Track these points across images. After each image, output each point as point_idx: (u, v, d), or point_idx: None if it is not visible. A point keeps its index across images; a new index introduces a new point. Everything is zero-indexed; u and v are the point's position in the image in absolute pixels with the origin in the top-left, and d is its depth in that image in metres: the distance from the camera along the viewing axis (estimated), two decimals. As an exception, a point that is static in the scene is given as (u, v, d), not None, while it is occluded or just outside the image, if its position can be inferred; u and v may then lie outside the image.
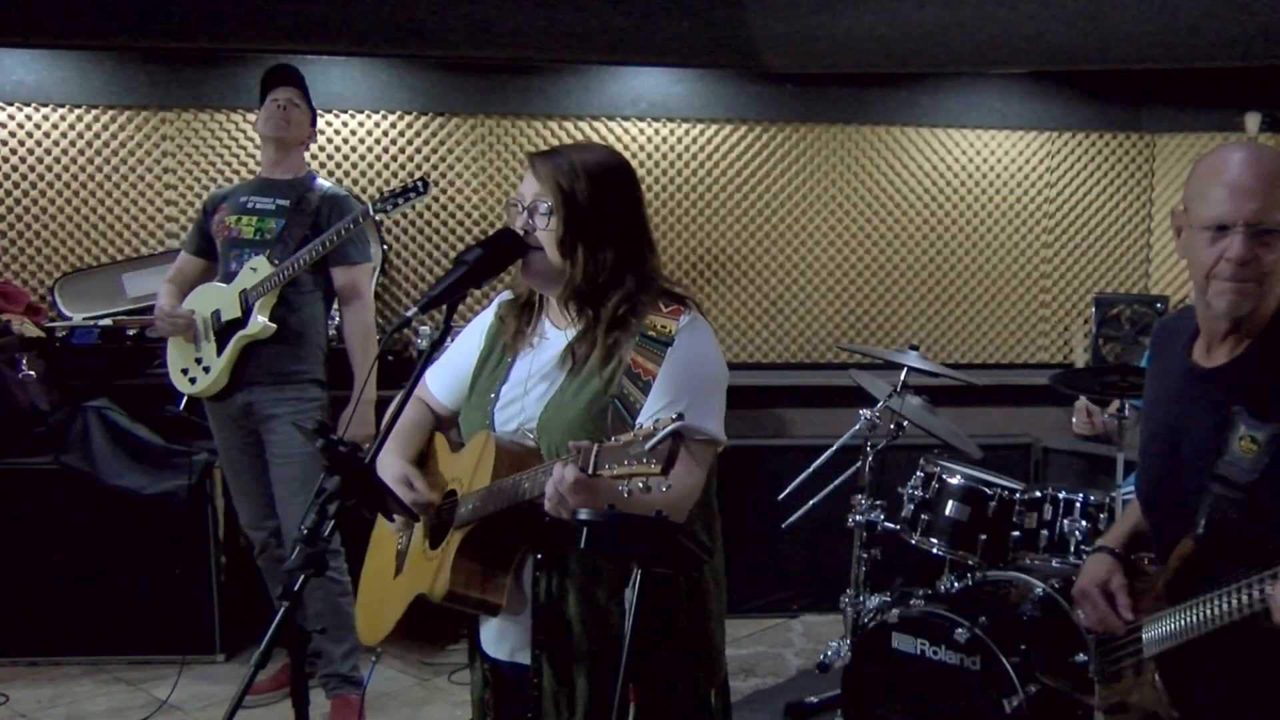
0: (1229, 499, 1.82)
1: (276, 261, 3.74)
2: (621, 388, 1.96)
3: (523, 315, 2.16)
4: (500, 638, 2.13)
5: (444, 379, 2.28)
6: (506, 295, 2.22)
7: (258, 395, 3.82)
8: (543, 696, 2.04)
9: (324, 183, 3.92)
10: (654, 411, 1.91)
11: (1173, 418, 2.01)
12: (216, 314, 3.83)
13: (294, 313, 3.81)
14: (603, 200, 2.02)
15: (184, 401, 4.00)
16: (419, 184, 3.60)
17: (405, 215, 5.08)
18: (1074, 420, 4.11)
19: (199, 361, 3.88)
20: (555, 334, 2.11)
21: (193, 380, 3.90)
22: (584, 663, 2.03)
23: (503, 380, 2.13)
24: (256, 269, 3.77)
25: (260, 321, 3.75)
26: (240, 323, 3.78)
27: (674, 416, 1.65)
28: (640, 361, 1.97)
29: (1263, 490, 1.79)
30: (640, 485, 1.67)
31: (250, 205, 3.86)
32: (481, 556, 1.99)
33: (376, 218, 3.58)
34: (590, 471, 1.72)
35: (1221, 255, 1.84)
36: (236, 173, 4.93)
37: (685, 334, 2.00)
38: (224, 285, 3.84)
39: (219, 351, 3.83)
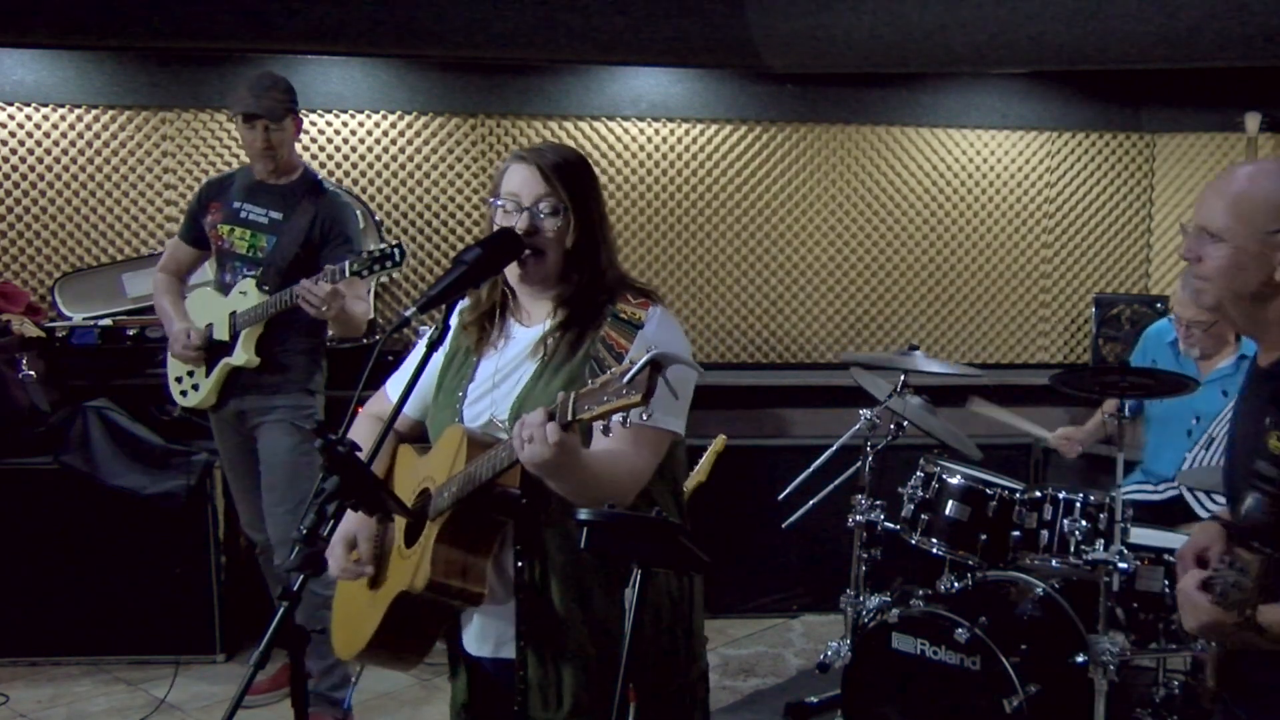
0: (1264, 494, 1.87)
1: (265, 289, 3.65)
2: (597, 352, 2.00)
3: (484, 321, 2.17)
4: (483, 635, 2.12)
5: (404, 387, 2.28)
6: (465, 302, 2.20)
7: (249, 404, 3.79)
8: (529, 690, 2.04)
9: (321, 189, 3.79)
10: None
11: (1236, 412, 2.14)
12: (210, 328, 3.79)
13: (281, 336, 3.72)
14: (593, 199, 2.08)
15: (178, 409, 4.00)
16: (395, 252, 3.36)
17: (405, 215, 5.08)
18: (1061, 449, 4.22)
19: (190, 375, 3.87)
20: (521, 331, 2.13)
21: (184, 394, 3.90)
22: (569, 654, 2.03)
23: (469, 379, 2.15)
24: (246, 293, 3.70)
25: (244, 355, 3.71)
26: (228, 347, 3.74)
27: (648, 349, 1.66)
28: (613, 336, 2.02)
29: None
30: (620, 420, 1.68)
31: (243, 215, 3.75)
32: (460, 544, 1.99)
33: (348, 278, 3.38)
34: (570, 418, 1.73)
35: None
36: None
37: (656, 323, 2.04)
38: (220, 296, 3.79)
39: (209, 371, 3.81)
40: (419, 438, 2.27)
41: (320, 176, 3.89)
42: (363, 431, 2.31)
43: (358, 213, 3.89)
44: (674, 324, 2.10)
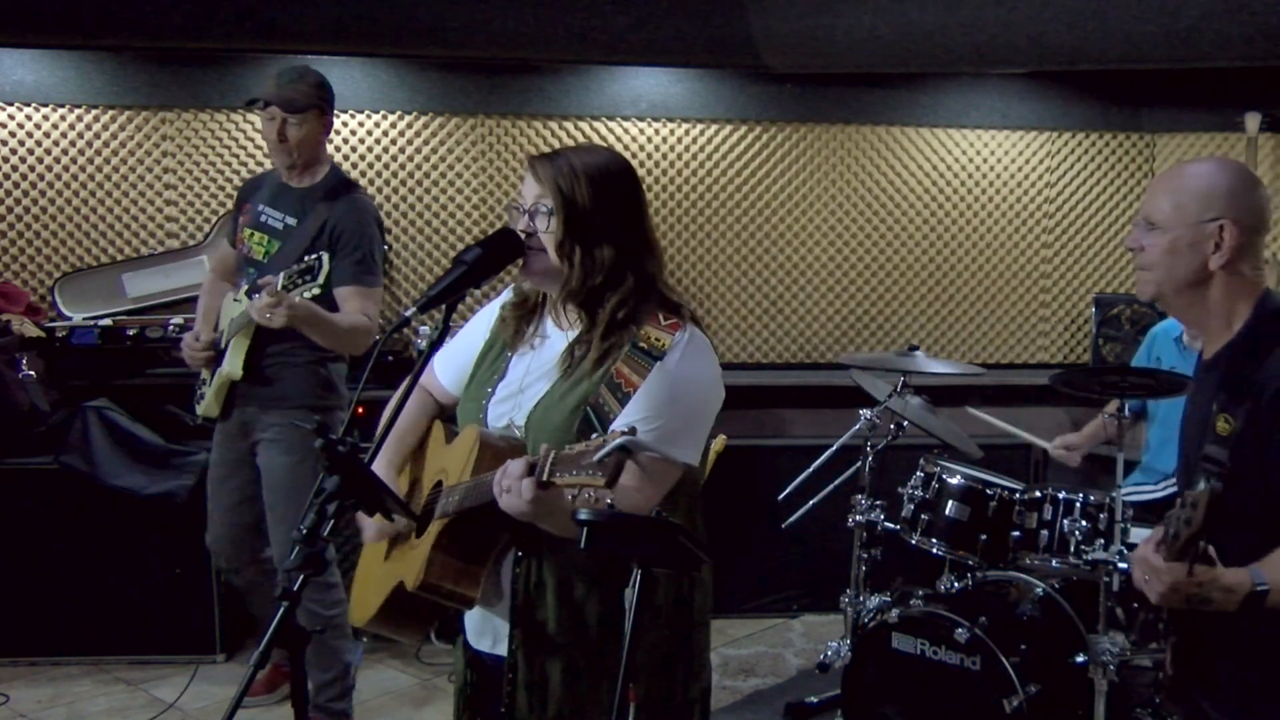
0: (1214, 475, 1.91)
1: (253, 298, 3.45)
2: (599, 395, 1.96)
3: (523, 317, 2.17)
4: (482, 630, 2.14)
5: (451, 367, 2.29)
6: (510, 294, 2.22)
7: (249, 415, 3.65)
8: (516, 690, 2.05)
9: (342, 192, 3.56)
10: (625, 423, 1.89)
11: (1187, 404, 2.22)
12: (221, 335, 3.70)
13: (267, 348, 3.54)
14: (602, 203, 2.02)
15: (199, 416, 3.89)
16: (316, 264, 3.19)
17: (405, 215, 5.08)
18: (1062, 458, 4.20)
19: (205, 383, 3.76)
20: (556, 334, 2.12)
21: (197, 401, 3.83)
22: (558, 658, 2.03)
23: (500, 376, 2.14)
24: (238, 301, 3.55)
25: (228, 367, 3.55)
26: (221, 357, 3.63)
27: (624, 430, 1.66)
28: (624, 372, 1.96)
29: (1236, 466, 1.92)
30: (589, 495, 1.68)
31: (264, 219, 3.60)
32: (458, 549, 2.00)
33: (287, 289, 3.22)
34: (545, 477, 1.73)
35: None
36: (236, 172, 4.93)
37: (680, 352, 1.99)
38: (232, 303, 3.67)
39: (212, 380, 3.71)
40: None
41: (350, 178, 3.68)
42: (412, 401, 2.28)
43: (379, 220, 3.63)
44: (701, 351, 2.02)
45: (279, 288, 3.19)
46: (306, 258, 3.24)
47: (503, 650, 2.08)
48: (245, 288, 3.58)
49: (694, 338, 2.02)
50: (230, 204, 4.89)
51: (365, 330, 3.48)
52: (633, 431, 1.66)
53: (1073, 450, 4.25)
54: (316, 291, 3.20)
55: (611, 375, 1.97)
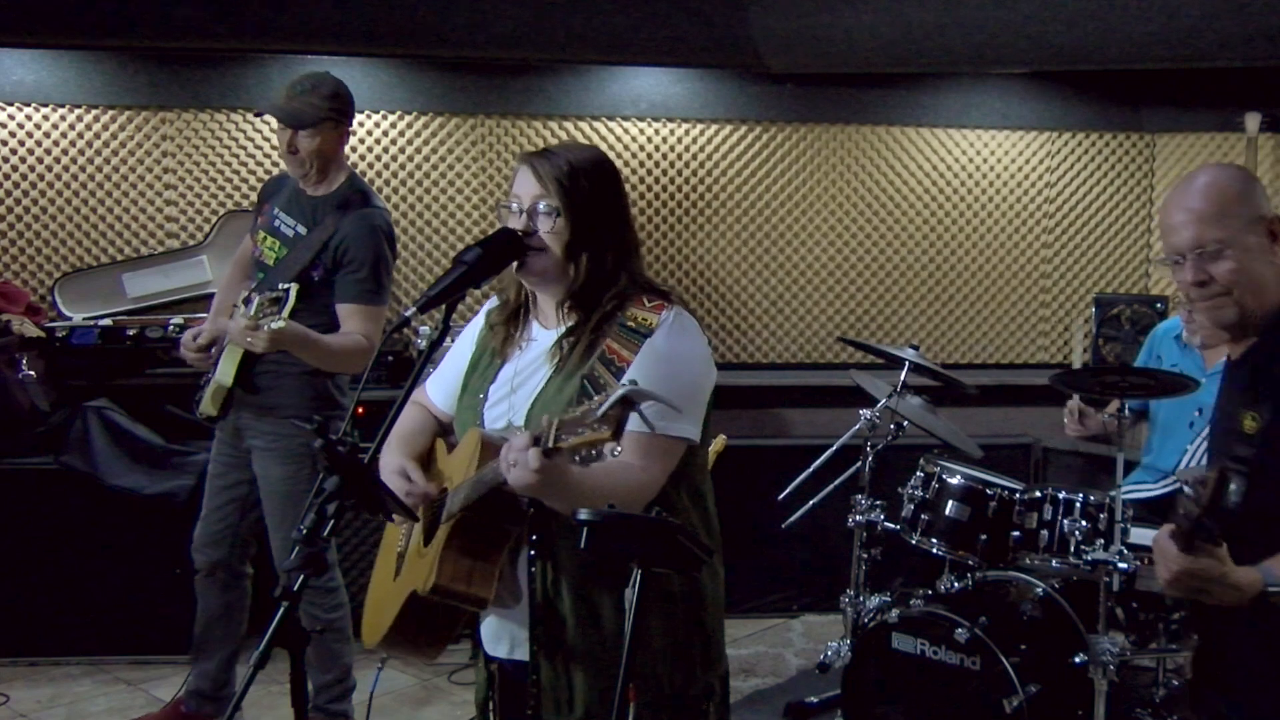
0: (1242, 475, 1.91)
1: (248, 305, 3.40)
2: (593, 369, 1.99)
3: (511, 321, 2.18)
4: (498, 636, 2.13)
5: (442, 386, 2.30)
6: (494, 302, 2.22)
7: (244, 420, 3.57)
8: (541, 694, 2.04)
9: (354, 205, 3.45)
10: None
11: (1215, 407, 2.21)
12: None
13: (258, 356, 3.41)
14: (600, 201, 2.04)
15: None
16: (286, 294, 3.17)
17: (405, 215, 5.08)
18: (1065, 422, 4.11)
19: (207, 383, 3.67)
20: (543, 334, 2.13)
21: (197, 400, 3.76)
22: (580, 659, 2.03)
23: (491, 381, 2.16)
24: (237, 306, 3.48)
25: (219, 376, 3.48)
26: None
27: (624, 382, 1.67)
28: (614, 348, 2.00)
29: (1263, 463, 1.91)
30: (594, 454, 1.68)
31: (277, 224, 3.51)
32: (468, 549, 1.99)
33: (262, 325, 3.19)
34: (550, 444, 1.72)
35: (1183, 282, 2.07)
36: (236, 172, 4.94)
37: (667, 329, 2.02)
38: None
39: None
40: None
41: (366, 189, 3.57)
42: (407, 418, 2.28)
43: (390, 235, 3.52)
44: (688, 329, 2.05)
45: (253, 313, 3.16)
46: (280, 285, 3.22)
47: (520, 655, 2.07)
48: (243, 295, 3.54)
49: (679, 316, 2.05)
50: (230, 204, 4.92)
51: (361, 351, 3.39)
52: (634, 383, 1.66)
53: (1085, 418, 4.07)
54: (280, 325, 3.14)
55: (603, 351, 2.00)
